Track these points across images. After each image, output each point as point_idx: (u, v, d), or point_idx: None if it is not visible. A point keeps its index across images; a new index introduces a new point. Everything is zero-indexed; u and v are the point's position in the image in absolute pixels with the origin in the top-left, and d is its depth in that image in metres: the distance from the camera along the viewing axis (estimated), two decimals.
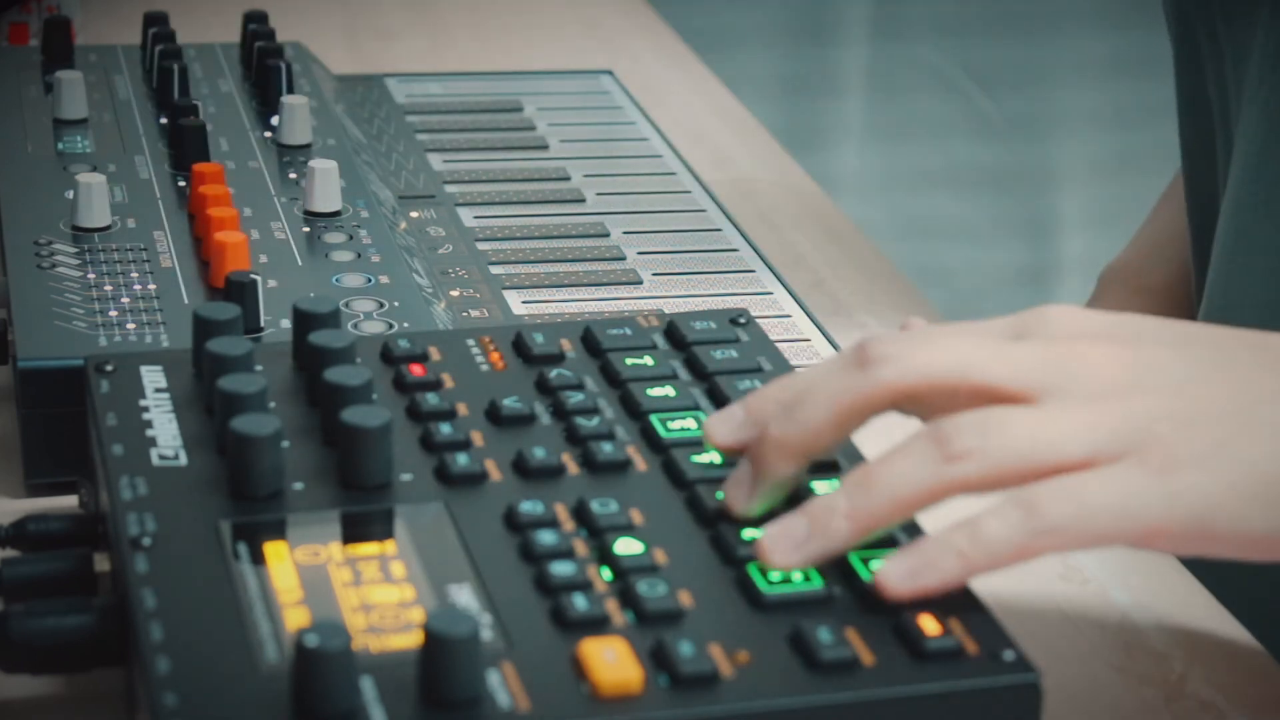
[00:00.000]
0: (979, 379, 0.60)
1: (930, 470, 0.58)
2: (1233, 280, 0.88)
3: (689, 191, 0.99)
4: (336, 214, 0.87)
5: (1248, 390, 0.60)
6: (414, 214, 0.92)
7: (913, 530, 0.61)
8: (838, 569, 0.59)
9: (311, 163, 0.88)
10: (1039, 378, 0.60)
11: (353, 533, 0.61)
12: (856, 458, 0.65)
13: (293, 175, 0.91)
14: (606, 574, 0.59)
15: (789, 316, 0.85)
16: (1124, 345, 0.61)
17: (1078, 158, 2.27)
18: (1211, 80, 0.92)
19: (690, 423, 0.67)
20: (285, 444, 0.64)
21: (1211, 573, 0.78)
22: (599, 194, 0.97)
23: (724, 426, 0.64)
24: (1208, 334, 0.63)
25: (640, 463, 0.65)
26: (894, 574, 0.58)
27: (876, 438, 0.79)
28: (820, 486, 0.63)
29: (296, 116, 0.95)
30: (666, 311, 0.75)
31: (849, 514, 0.59)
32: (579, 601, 0.57)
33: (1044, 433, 0.58)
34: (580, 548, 0.60)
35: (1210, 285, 0.90)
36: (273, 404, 0.67)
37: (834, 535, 0.59)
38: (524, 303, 0.84)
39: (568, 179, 0.98)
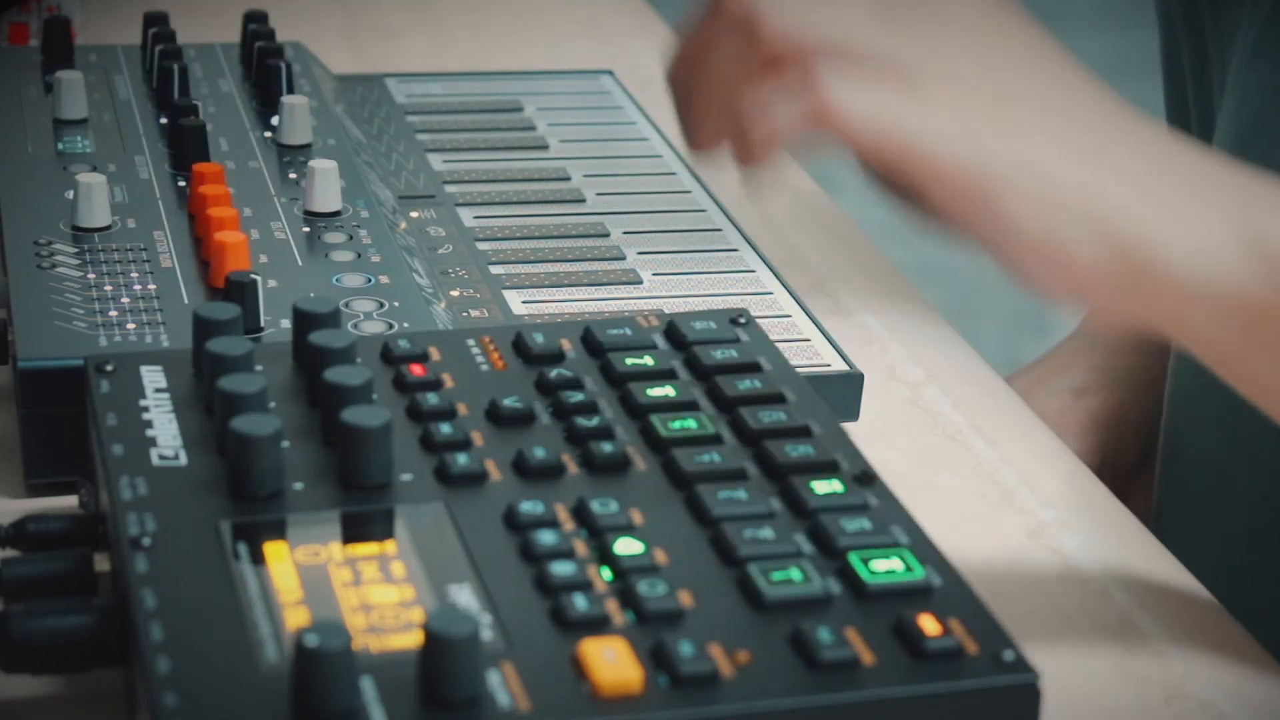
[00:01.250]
0: None
1: (737, 46, 0.63)
2: None
3: (689, 191, 0.99)
4: (336, 214, 0.87)
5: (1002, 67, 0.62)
6: (414, 214, 0.92)
7: (916, 533, 0.61)
8: (838, 569, 0.59)
9: (311, 163, 0.88)
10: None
11: (353, 533, 0.61)
12: (860, 460, 0.65)
13: (293, 175, 0.91)
14: (606, 574, 0.59)
15: (789, 316, 0.85)
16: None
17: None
18: (1191, 89, 0.92)
19: (690, 422, 0.67)
20: (285, 444, 0.64)
21: (1211, 573, 0.78)
22: (599, 194, 0.97)
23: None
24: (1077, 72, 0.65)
25: (640, 463, 0.65)
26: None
27: (882, 436, 0.79)
28: (820, 486, 0.63)
29: (296, 116, 0.95)
30: (666, 311, 0.75)
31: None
32: (579, 601, 0.57)
33: (845, 17, 0.62)
34: (580, 548, 0.60)
35: None
36: (273, 404, 0.67)
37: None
38: (524, 303, 0.84)
39: (568, 179, 0.98)
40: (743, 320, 0.74)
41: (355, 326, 0.78)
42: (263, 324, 0.77)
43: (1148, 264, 0.61)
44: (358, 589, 0.58)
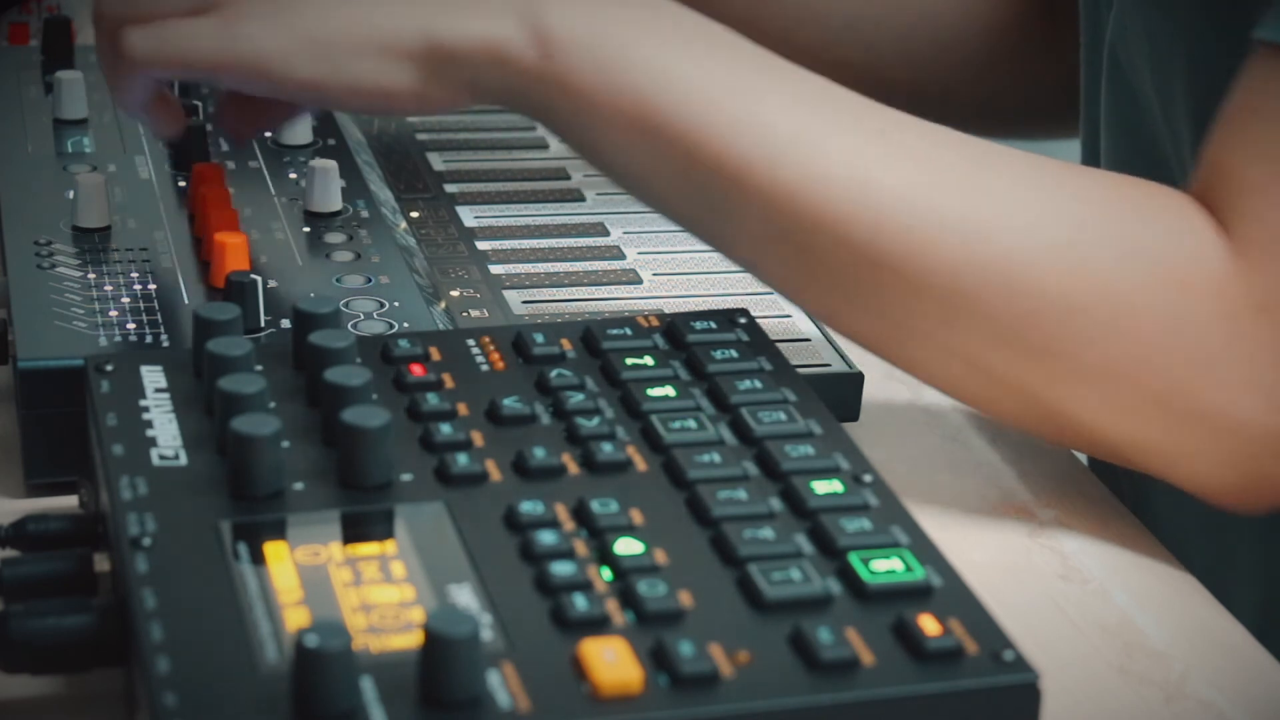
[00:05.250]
0: None
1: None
2: None
3: None
4: (336, 214, 0.87)
5: None
6: (414, 214, 0.92)
7: (916, 533, 0.61)
8: (838, 569, 0.59)
9: (311, 163, 0.88)
10: None
11: (353, 533, 0.61)
12: (861, 460, 0.65)
13: (293, 175, 0.91)
14: (606, 574, 0.59)
15: (789, 316, 0.85)
16: None
17: (1077, 157, 2.27)
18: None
19: (691, 423, 0.67)
20: (285, 444, 0.64)
21: (1212, 573, 0.78)
22: (599, 193, 0.97)
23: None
24: None
25: (640, 463, 0.65)
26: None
27: (882, 436, 0.79)
28: (820, 486, 0.63)
29: (296, 116, 0.95)
30: (666, 311, 0.75)
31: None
32: (579, 601, 0.57)
33: None
34: (580, 548, 0.60)
35: None
36: (273, 404, 0.67)
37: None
38: (524, 303, 0.84)
39: (568, 178, 0.98)
40: (743, 320, 0.74)
41: (355, 326, 0.78)
42: (263, 324, 0.77)
43: (450, 51, 0.75)
44: (358, 589, 0.58)
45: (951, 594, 0.59)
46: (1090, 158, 0.99)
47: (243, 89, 0.77)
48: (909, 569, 0.59)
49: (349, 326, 0.77)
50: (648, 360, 0.70)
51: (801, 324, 0.85)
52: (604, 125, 0.74)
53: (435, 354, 0.71)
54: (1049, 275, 0.71)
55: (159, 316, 0.77)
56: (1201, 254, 0.71)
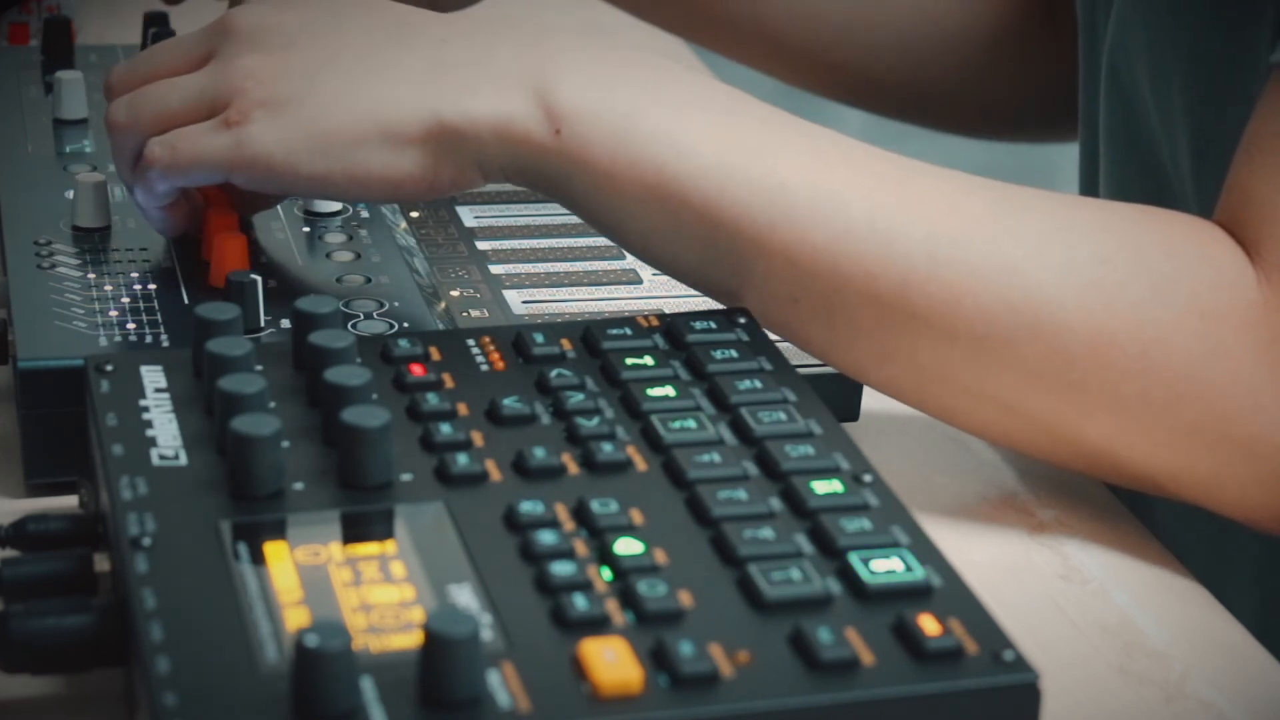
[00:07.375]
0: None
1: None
2: None
3: None
4: (336, 214, 0.87)
5: (334, 56, 0.76)
6: (414, 214, 0.92)
7: (916, 533, 0.61)
8: (838, 569, 0.59)
9: None
10: (212, 83, 0.77)
11: (353, 533, 0.61)
12: (861, 460, 0.65)
13: None
14: (606, 574, 0.59)
15: None
16: (289, 11, 0.78)
17: (1076, 161, 2.27)
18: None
19: (690, 423, 0.67)
20: (285, 444, 0.64)
21: (1211, 573, 0.78)
22: None
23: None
24: (366, 6, 0.78)
25: (640, 463, 0.65)
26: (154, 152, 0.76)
27: (882, 436, 0.79)
28: (820, 486, 0.63)
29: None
30: (666, 311, 0.75)
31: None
32: (579, 601, 0.57)
33: (163, 91, 0.77)
34: (580, 548, 0.60)
35: None
36: (273, 404, 0.67)
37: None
38: (524, 303, 0.84)
39: None
40: (742, 320, 0.74)
41: (355, 326, 0.78)
42: (263, 324, 0.77)
43: (458, 131, 0.74)
44: (358, 589, 0.58)
45: (951, 594, 0.59)
46: (1089, 163, 0.99)
47: (255, 188, 0.76)
48: (909, 569, 0.59)
49: (349, 326, 0.77)
50: (648, 360, 0.70)
51: None
52: (621, 196, 0.74)
53: (435, 354, 0.71)
54: (1079, 313, 0.70)
55: (159, 316, 0.77)
56: (1230, 281, 0.70)
